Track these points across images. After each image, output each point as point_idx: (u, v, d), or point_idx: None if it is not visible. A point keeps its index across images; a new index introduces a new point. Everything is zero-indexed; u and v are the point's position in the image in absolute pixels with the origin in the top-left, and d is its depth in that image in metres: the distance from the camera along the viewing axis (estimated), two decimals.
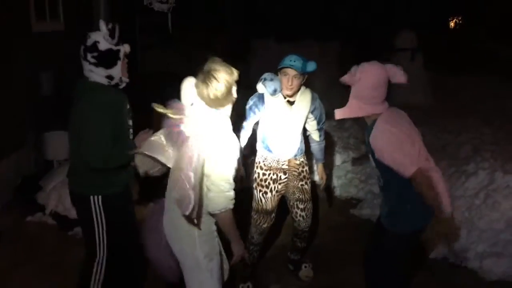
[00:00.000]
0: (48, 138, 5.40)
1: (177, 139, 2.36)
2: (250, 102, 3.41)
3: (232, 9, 11.18)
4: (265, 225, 3.53)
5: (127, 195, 2.92)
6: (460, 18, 16.76)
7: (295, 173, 3.51)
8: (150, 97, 6.34)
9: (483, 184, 4.34)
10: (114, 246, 2.83)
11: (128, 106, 2.79)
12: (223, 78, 2.31)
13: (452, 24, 17.08)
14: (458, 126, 7.46)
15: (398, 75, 2.60)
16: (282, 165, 3.46)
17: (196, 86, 2.37)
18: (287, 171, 3.48)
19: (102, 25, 2.60)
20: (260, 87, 3.34)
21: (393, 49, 9.54)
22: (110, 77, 2.65)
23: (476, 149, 6.02)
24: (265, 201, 3.47)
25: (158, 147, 2.50)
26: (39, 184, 4.97)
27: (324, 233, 4.64)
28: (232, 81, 2.36)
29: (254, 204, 3.52)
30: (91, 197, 2.71)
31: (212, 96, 2.31)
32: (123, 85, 2.74)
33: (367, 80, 2.56)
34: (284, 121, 3.35)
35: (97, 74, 2.63)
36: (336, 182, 5.80)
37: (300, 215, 3.59)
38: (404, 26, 9.85)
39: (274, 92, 3.27)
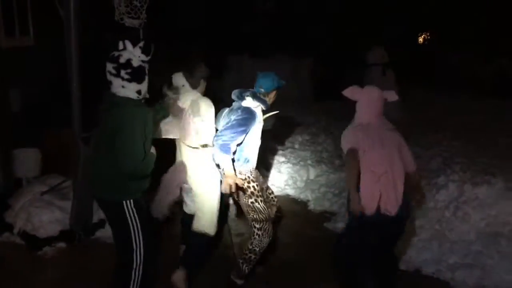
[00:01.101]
0: (17, 155, 5.28)
1: (177, 112, 3.46)
2: (244, 123, 3.41)
3: (206, 24, 11.21)
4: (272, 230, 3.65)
5: (144, 198, 3.12)
6: (428, 33, 17.20)
7: None
8: None
9: (453, 196, 4.43)
10: (147, 252, 2.98)
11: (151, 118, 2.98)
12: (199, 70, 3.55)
13: (420, 39, 17.51)
14: (429, 140, 7.62)
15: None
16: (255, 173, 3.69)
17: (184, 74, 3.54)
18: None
19: (129, 44, 2.86)
20: (253, 103, 3.51)
21: (365, 65, 9.71)
22: (139, 92, 2.88)
23: (446, 162, 6.15)
24: (266, 207, 3.60)
25: (168, 130, 3.53)
26: (7, 202, 4.83)
27: (298, 247, 4.64)
28: (203, 71, 3.59)
29: (261, 216, 3.57)
30: (124, 202, 2.89)
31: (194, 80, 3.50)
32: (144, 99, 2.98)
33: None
34: (260, 131, 3.61)
35: (129, 89, 2.84)
36: (310, 195, 5.82)
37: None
38: (376, 42, 10.05)
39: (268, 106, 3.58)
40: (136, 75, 2.82)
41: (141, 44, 2.86)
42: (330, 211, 5.45)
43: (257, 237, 3.58)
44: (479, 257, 3.85)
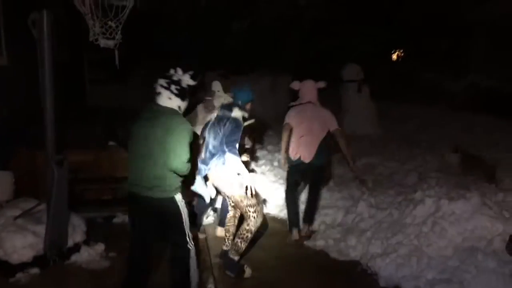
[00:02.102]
0: None
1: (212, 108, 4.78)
2: (238, 130, 4.14)
3: (185, 43, 11.24)
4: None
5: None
6: (402, 50, 17.57)
7: None
8: (98, 132, 6.20)
9: (430, 212, 4.47)
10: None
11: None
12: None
13: (394, 56, 17.87)
14: (404, 154, 7.72)
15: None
16: None
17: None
18: None
19: (179, 71, 3.51)
20: (239, 113, 4.22)
21: (341, 81, 9.85)
22: (179, 107, 3.47)
23: (421, 176, 6.23)
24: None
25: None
26: None
27: (278, 266, 4.61)
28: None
29: (253, 201, 4.22)
30: (175, 196, 3.45)
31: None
32: None
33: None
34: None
35: (173, 102, 3.42)
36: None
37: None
38: (351, 59, 10.21)
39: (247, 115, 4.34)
40: (181, 93, 3.42)
41: (190, 72, 3.53)
42: (309, 228, 5.43)
43: (252, 219, 4.20)
44: (457, 272, 3.87)
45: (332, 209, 5.58)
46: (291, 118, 5.07)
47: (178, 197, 3.49)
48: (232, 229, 4.61)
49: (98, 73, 10.36)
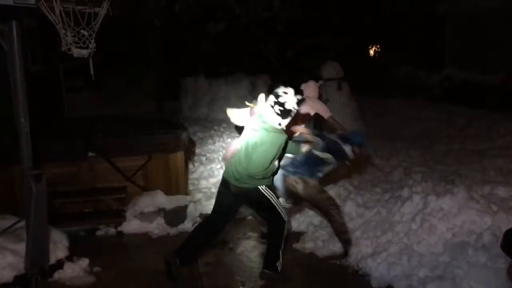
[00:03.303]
0: None
1: (252, 114, 4.58)
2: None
3: (158, 49, 11.10)
4: None
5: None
6: (378, 46, 17.70)
7: None
8: (77, 143, 6.02)
9: (418, 208, 4.44)
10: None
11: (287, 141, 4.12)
12: None
13: (371, 52, 17.99)
14: (387, 150, 7.73)
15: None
16: None
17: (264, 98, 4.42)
18: None
19: (291, 92, 3.93)
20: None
21: (320, 79, 9.80)
22: (280, 124, 3.97)
23: (406, 172, 6.23)
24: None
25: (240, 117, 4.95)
26: None
27: (258, 265, 4.52)
28: None
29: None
30: (260, 186, 4.09)
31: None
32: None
33: None
34: None
35: (275, 120, 3.94)
36: None
37: None
38: (330, 57, 10.19)
39: None
40: (284, 113, 3.90)
41: (299, 96, 3.96)
42: (297, 231, 5.37)
43: (336, 214, 4.53)
44: (449, 268, 3.84)
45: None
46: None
47: (263, 187, 4.10)
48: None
49: (75, 81, 10.16)
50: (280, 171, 4.50)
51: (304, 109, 5.15)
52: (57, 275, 4.39)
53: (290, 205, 4.81)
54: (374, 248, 4.40)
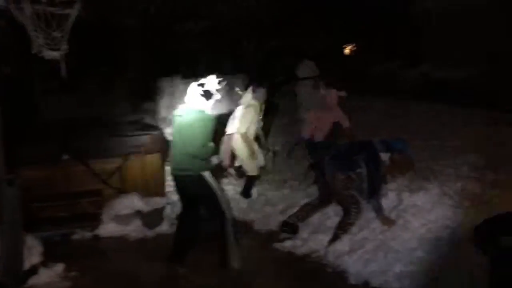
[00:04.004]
0: None
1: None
2: None
3: (132, 51, 10.98)
4: None
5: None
6: (354, 45, 17.83)
7: None
8: (51, 146, 5.91)
9: (393, 205, 4.52)
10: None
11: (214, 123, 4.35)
12: None
13: (347, 51, 18.11)
14: None
15: None
16: None
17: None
18: None
19: (213, 76, 4.43)
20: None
21: (296, 79, 9.85)
22: (204, 106, 4.30)
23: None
24: None
25: None
26: None
27: (246, 269, 4.53)
28: None
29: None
30: (204, 173, 4.25)
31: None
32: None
33: None
34: None
35: (199, 103, 4.29)
36: (254, 216, 5.75)
37: None
38: (305, 57, 10.24)
39: None
40: (206, 95, 4.28)
41: (219, 79, 4.45)
42: (276, 230, 5.39)
43: (353, 214, 4.56)
44: (423, 263, 3.91)
45: (297, 208, 5.56)
46: None
47: (207, 174, 4.28)
48: (307, 212, 5.03)
49: (49, 83, 9.98)
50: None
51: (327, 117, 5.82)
52: (31, 281, 4.32)
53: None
54: (351, 245, 4.45)
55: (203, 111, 4.30)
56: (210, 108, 4.36)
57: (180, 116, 4.41)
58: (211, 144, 4.36)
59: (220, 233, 4.31)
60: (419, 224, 4.23)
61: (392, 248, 4.16)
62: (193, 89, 4.34)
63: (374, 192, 4.44)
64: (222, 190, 4.50)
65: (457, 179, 5.13)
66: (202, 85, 4.31)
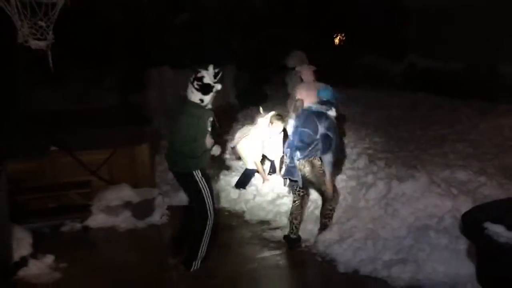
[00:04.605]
0: None
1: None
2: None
3: (122, 41, 10.87)
4: None
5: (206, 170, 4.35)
6: (343, 35, 17.84)
7: None
8: (38, 137, 5.85)
9: (382, 194, 4.55)
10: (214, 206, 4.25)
11: (211, 118, 4.13)
12: None
13: (336, 41, 18.11)
14: (353, 137, 7.84)
15: None
16: None
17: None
18: None
19: (211, 67, 4.06)
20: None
21: (286, 69, 9.84)
22: (202, 100, 4.07)
23: (371, 158, 6.34)
24: None
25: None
26: None
27: (238, 260, 4.56)
28: None
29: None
30: (194, 171, 4.12)
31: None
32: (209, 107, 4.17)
33: None
34: None
35: (195, 96, 4.05)
36: (244, 206, 5.76)
37: None
38: (294, 46, 10.22)
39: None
40: (203, 88, 4.02)
41: (216, 70, 4.07)
42: (266, 219, 5.42)
43: (331, 198, 4.57)
44: (412, 251, 3.97)
45: (287, 197, 5.58)
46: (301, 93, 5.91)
47: (197, 172, 4.14)
48: (300, 217, 4.73)
49: (35, 74, 9.85)
50: (293, 162, 4.56)
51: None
52: (21, 272, 4.30)
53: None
54: (341, 234, 4.49)
55: (200, 106, 4.09)
56: (210, 101, 4.12)
57: (179, 110, 4.25)
58: (208, 140, 4.14)
59: (198, 233, 4.20)
60: (407, 212, 4.27)
61: (381, 237, 4.21)
62: (192, 83, 4.09)
63: (329, 148, 4.46)
64: (212, 189, 4.27)
65: (445, 167, 5.20)
66: (201, 78, 4.03)
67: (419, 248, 3.94)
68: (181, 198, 6.05)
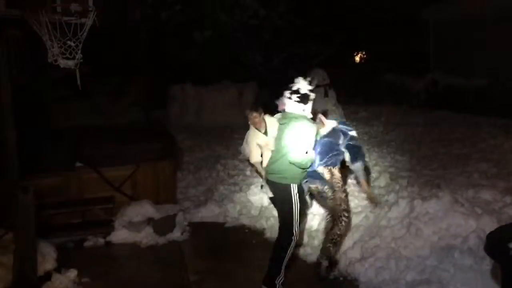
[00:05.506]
0: None
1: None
2: None
3: (145, 58, 11.10)
4: None
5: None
6: (364, 53, 17.87)
7: None
8: (65, 153, 5.96)
9: (404, 213, 4.50)
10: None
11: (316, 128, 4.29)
12: None
13: (357, 58, 18.15)
14: (375, 155, 7.79)
15: None
16: None
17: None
18: None
19: (302, 79, 4.21)
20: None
21: None
22: (303, 110, 4.15)
23: (393, 177, 6.29)
24: None
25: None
26: None
27: (259, 278, 4.54)
28: None
29: (348, 207, 4.54)
30: (292, 184, 4.14)
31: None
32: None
33: None
34: None
35: (298, 108, 4.14)
36: (265, 224, 5.74)
37: None
38: (316, 64, 10.28)
39: None
40: (303, 99, 4.11)
41: (309, 78, 4.26)
42: None
43: (344, 223, 4.33)
44: (436, 271, 3.90)
45: (308, 216, 5.56)
46: None
47: (293, 186, 4.14)
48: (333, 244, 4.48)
49: (62, 91, 10.11)
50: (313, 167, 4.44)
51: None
52: (45, 287, 4.36)
53: None
54: (362, 253, 4.45)
55: (306, 118, 4.16)
56: (309, 111, 4.18)
57: (283, 123, 4.27)
58: (312, 153, 4.20)
59: (282, 250, 4.15)
60: (431, 232, 4.21)
61: (404, 256, 4.15)
62: (289, 96, 4.15)
63: (357, 157, 4.48)
64: (302, 209, 4.28)
65: (468, 187, 5.13)
66: (297, 91, 4.12)
67: (443, 268, 3.88)
68: (202, 214, 6.12)
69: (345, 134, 4.54)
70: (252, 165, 5.74)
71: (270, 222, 5.70)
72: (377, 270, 4.16)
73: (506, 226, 3.30)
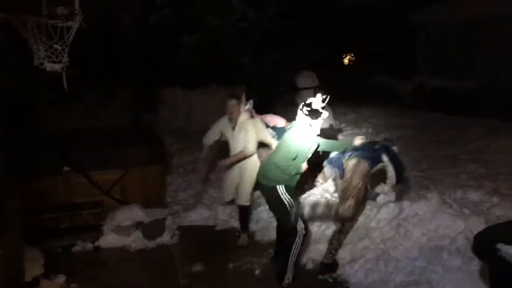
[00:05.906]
0: None
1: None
2: None
3: (134, 62, 11.03)
4: None
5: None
6: (352, 55, 17.94)
7: None
8: (53, 157, 5.91)
9: (393, 214, 4.52)
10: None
11: (314, 147, 4.34)
12: None
13: (346, 61, 18.21)
14: None
15: None
16: None
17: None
18: None
19: (318, 95, 4.31)
20: None
21: (296, 89, 9.90)
22: (310, 125, 4.25)
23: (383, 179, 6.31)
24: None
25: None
26: None
27: (250, 282, 4.53)
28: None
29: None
30: (278, 186, 4.20)
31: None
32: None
33: None
34: None
35: (305, 121, 4.25)
36: (254, 226, 5.74)
37: None
38: (305, 67, 10.30)
39: None
40: (312, 113, 4.22)
41: (323, 96, 4.29)
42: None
43: (348, 230, 4.51)
44: (424, 272, 3.92)
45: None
46: None
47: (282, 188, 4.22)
48: (336, 243, 4.56)
49: (50, 94, 10.03)
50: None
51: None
52: None
53: None
54: (352, 255, 4.46)
55: (308, 131, 4.26)
56: (317, 126, 4.29)
57: (288, 129, 4.46)
58: (302, 164, 4.31)
59: (287, 246, 4.25)
60: (419, 233, 4.24)
61: (393, 258, 4.17)
62: (301, 109, 4.28)
63: (400, 177, 4.53)
64: (298, 204, 4.40)
65: (456, 188, 5.17)
66: (310, 104, 4.25)
67: (432, 269, 3.90)
68: (192, 218, 6.09)
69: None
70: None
71: (260, 224, 5.70)
72: (367, 272, 4.17)
73: (494, 227, 3.34)
